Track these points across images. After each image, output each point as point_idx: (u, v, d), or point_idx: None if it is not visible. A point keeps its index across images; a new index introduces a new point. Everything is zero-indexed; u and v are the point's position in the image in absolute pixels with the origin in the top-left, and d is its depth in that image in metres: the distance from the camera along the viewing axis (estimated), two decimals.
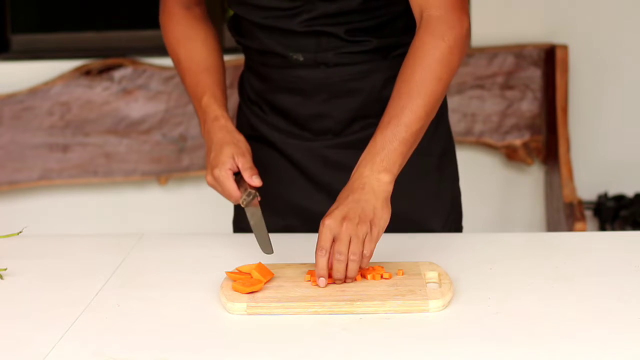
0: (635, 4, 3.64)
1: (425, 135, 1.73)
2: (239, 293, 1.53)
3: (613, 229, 3.57)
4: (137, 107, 3.62)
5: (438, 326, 1.45)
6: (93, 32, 3.87)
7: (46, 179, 3.64)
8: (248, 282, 1.55)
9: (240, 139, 1.81)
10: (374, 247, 1.58)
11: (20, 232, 1.81)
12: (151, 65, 3.61)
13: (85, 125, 3.62)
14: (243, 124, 1.98)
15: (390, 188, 1.62)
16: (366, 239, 1.57)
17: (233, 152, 1.78)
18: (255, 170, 1.76)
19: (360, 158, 1.65)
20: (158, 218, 3.75)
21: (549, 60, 3.59)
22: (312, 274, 1.59)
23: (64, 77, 3.60)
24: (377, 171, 1.62)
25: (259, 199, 1.76)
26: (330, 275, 1.57)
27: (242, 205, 1.75)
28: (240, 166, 1.77)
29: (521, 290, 1.58)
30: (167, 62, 3.63)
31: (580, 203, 3.38)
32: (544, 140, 3.65)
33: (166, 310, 1.53)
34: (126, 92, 3.62)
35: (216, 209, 3.77)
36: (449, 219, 1.96)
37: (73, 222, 3.72)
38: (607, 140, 3.71)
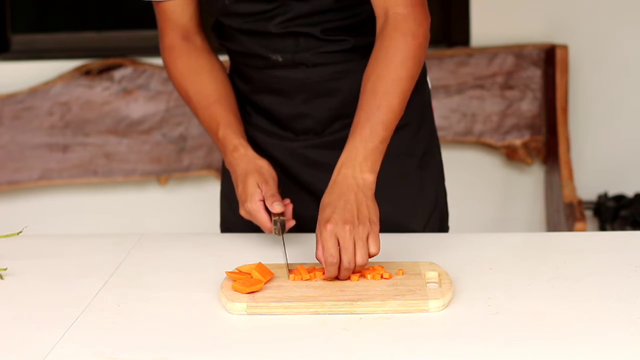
0: (635, 4, 3.64)
1: (407, 135, 1.76)
2: (239, 293, 1.53)
3: (613, 229, 3.57)
4: (137, 107, 3.62)
5: (438, 326, 1.45)
6: (93, 32, 3.87)
7: (46, 179, 3.64)
8: (248, 282, 1.55)
9: (262, 165, 1.80)
10: (380, 243, 1.60)
11: (20, 232, 1.81)
12: (151, 65, 3.61)
13: (85, 125, 3.62)
14: None
15: (374, 186, 1.65)
16: (370, 239, 1.59)
17: (257, 181, 1.77)
18: (277, 197, 1.75)
19: (341, 158, 1.66)
20: (158, 218, 3.75)
21: (549, 60, 3.59)
22: (295, 273, 1.60)
23: (64, 77, 3.60)
24: (361, 171, 1.64)
25: (291, 223, 1.77)
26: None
27: (277, 235, 1.74)
28: (263, 194, 1.76)
29: (521, 290, 1.58)
30: None
31: (580, 203, 3.38)
32: (544, 140, 3.65)
33: (166, 310, 1.53)
34: (126, 92, 3.62)
35: (216, 209, 3.77)
36: (430, 219, 1.96)
37: (73, 222, 3.72)
38: (607, 140, 3.71)
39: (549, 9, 3.65)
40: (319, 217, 1.61)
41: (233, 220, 1.99)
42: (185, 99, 1.91)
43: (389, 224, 1.84)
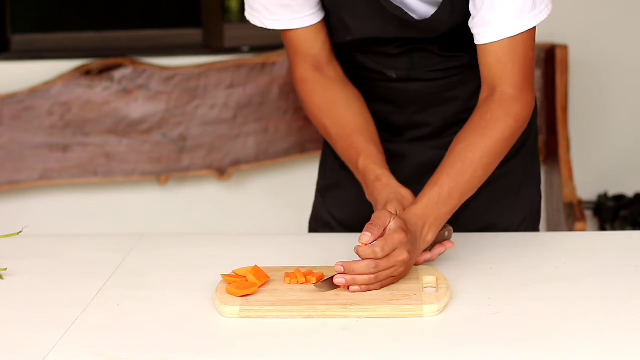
0: (635, 4, 3.64)
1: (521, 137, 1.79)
2: (232, 296, 1.53)
3: (613, 229, 3.57)
4: (137, 107, 3.62)
5: (438, 326, 1.45)
6: (93, 32, 3.87)
7: (46, 179, 3.64)
8: (242, 285, 1.54)
9: (404, 194, 1.73)
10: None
11: (20, 232, 1.81)
12: (151, 65, 3.61)
13: (85, 125, 3.62)
14: None
15: (425, 248, 1.64)
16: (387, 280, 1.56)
17: (396, 209, 1.68)
18: (377, 232, 1.59)
19: (416, 208, 1.64)
20: (158, 218, 3.75)
21: (549, 60, 3.59)
22: (290, 277, 1.59)
23: (64, 77, 3.60)
24: (429, 230, 1.63)
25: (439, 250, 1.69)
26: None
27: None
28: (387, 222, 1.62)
29: (521, 290, 1.58)
30: (167, 62, 3.63)
31: (580, 203, 3.38)
32: (544, 140, 3.65)
33: (166, 311, 1.53)
34: (126, 92, 3.62)
35: (216, 209, 3.77)
36: (525, 219, 1.97)
37: (73, 222, 3.72)
38: (607, 141, 3.70)
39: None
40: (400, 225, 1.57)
41: (326, 218, 2.00)
42: (324, 133, 1.87)
43: (481, 221, 1.84)
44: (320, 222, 2.04)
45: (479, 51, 1.73)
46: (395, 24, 1.76)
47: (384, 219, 1.57)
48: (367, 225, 1.56)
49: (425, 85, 1.86)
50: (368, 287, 1.54)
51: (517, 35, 1.69)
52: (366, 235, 1.54)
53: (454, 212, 1.68)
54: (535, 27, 1.71)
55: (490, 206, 1.88)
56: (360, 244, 1.54)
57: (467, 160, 1.68)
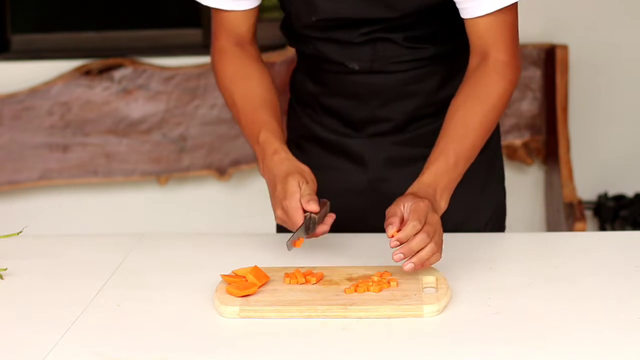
0: (635, 4, 3.64)
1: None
2: (232, 296, 1.53)
3: (613, 229, 3.57)
4: (137, 107, 3.62)
5: (438, 326, 1.45)
6: (93, 32, 3.87)
7: (46, 179, 3.64)
8: (242, 286, 1.54)
9: (304, 168, 1.74)
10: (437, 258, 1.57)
11: (20, 232, 1.81)
12: (151, 65, 3.61)
13: (85, 125, 3.62)
14: (295, 124, 1.99)
15: (441, 214, 1.66)
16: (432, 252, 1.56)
17: (299, 181, 1.69)
18: (314, 198, 1.67)
19: (424, 177, 1.66)
20: (158, 218, 3.75)
21: (549, 60, 3.59)
22: (290, 277, 1.59)
23: (64, 77, 3.60)
24: (440, 197, 1.66)
25: (329, 220, 1.69)
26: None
27: (305, 237, 1.66)
28: (301, 192, 1.68)
29: (521, 290, 1.58)
30: (167, 62, 3.63)
31: (580, 203, 3.38)
32: (544, 140, 3.65)
33: (166, 311, 1.53)
34: (126, 92, 3.62)
35: (216, 209, 3.77)
36: (491, 218, 1.98)
37: (73, 222, 3.72)
38: (607, 140, 3.71)
39: (549, 9, 3.65)
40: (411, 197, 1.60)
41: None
42: (229, 102, 1.86)
43: (451, 222, 1.85)
44: None
45: (468, 22, 1.76)
46: (362, 2, 1.76)
47: (395, 208, 1.59)
48: (385, 223, 1.57)
49: (387, 78, 1.85)
50: (429, 258, 1.54)
51: (506, 6, 1.73)
52: (391, 227, 1.55)
53: (461, 177, 1.71)
54: None
55: (458, 206, 1.88)
56: (392, 239, 1.54)
57: (468, 126, 1.71)
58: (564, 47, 3.56)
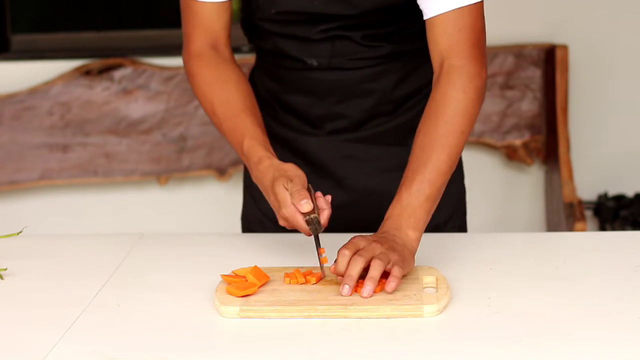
0: (635, 4, 3.64)
1: None
2: (232, 296, 1.52)
3: (613, 229, 3.57)
4: (137, 107, 3.62)
5: (438, 326, 1.45)
6: (93, 32, 3.87)
7: (46, 179, 3.64)
8: (242, 286, 1.54)
9: (287, 168, 1.69)
10: (400, 276, 1.54)
11: (20, 232, 1.81)
12: (151, 65, 3.61)
13: (85, 125, 3.62)
14: None
15: (417, 245, 1.63)
16: (395, 266, 1.54)
17: (283, 184, 1.66)
18: (303, 193, 1.63)
19: (388, 212, 1.65)
20: (158, 218, 3.75)
21: (549, 60, 3.59)
22: (290, 277, 1.59)
23: (64, 77, 3.60)
24: (406, 227, 1.63)
25: (325, 213, 1.64)
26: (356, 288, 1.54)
27: (313, 234, 1.62)
28: (289, 193, 1.64)
29: (521, 290, 1.58)
30: (167, 62, 3.63)
31: (580, 203, 3.39)
32: (544, 140, 3.65)
33: (166, 311, 1.53)
34: (126, 92, 3.62)
35: (216, 209, 3.77)
36: (452, 216, 1.97)
37: (73, 222, 3.72)
38: (607, 140, 3.71)
39: (549, 9, 3.65)
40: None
41: (257, 215, 2.00)
42: (209, 109, 1.83)
43: None
44: (252, 220, 2.02)
45: (428, 28, 1.73)
46: None
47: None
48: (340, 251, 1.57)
49: (345, 75, 1.85)
50: (374, 277, 1.52)
51: (464, 6, 1.69)
52: (331, 265, 1.56)
53: (432, 199, 1.66)
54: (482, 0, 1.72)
55: None
56: (332, 271, 1.55)
57: (425, 149, 1.67)
58: (564, 47, 3.56)
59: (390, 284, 1.52)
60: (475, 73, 1.70)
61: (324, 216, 1.63)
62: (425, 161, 1.66)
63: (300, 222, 1.61)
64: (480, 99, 1.71)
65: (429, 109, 1.70)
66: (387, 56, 1.85)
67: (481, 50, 1.72)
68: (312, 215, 1.60)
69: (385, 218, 1.65)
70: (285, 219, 1.64)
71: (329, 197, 1.66)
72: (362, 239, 1.58)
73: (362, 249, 1.55)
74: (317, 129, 1.91)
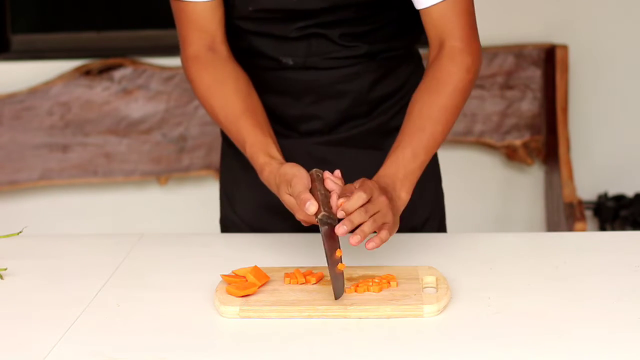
0: (635, 4, 3.64)
1: None
2: (232, 296, 1.52)
3: (613, 229, 3.57)
4: (137, 107, 3.62)
5: (438, 326, 1.45)
6: (93, 32, 3.87)
7: (46, 179, 3.64)
8: (242, 286, 1.54)
9: (285, 171, 1.66)
10: (386, 240, 1.55)
11: (20, 232, 1.81)
12: (151, 65, 3.61)
13: (85, 125, 3.62)
14: None
15: (403, 207, 1.65)
16: (384, 226, 1.56)
17: (287, 192, 1.63)
18: (305, 195, 1.58)
19: (382, 170, 1.66)
20: (158, 218, 3.75)
21: (549, 60, 3.59)
22: (290, 277, 1.59)
23: (64, 77, 3.60)
24: (400, 188, 1.65)
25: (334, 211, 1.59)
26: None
27: (326, 236, 1.55)
28: (293, 196, 1.61)
29: (521, 290, 1.58)
30: (167, 62, 3.63)
31: (580, 203, 3.38)
32: (544, 140, 3.65)
33: (166, 311, 1.53)
34: (126, 92, 3.62)
35: (216, 209, 3.77)
36: (429, 218, 1.97)
37: (73, 222, 3.72)
38: (607, 140, 3.71)
39: (549, 9, 3.65)
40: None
41: (232, 218, 1.99)
42: (211, 113, 1.83)
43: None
44: (229, 223, 2.01)
45: (422, 13, 1.76)
46: None
47: (350, 187, 1.59)
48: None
49: (320, 75, 1.85)
50: (365, 232, 1.52)
51: None
52: (342, 199, 1.55)
53: (423, 167, 1.69)
54: None
55: None
56: (338, 210, 1.54)
57: (424, 117, 1.70)
58: (564, 47, 3.56)
59: (371, 243, 1.53)
60: (476, 54, 1.76)
61: (333, 200, 1.59)
62: (422, 128, 1.70)
63: (315, 222, 1.60)
64: (476, 79, 1.78)
65: (429, 83, 1.74)
66: (363, 56, 1.84)
67: (476, 31, 1.78)
68: (320, 215, 1.56)
69: (379, 174, 1.65)
70: (304, 221, 1.63)
71: (337, 172, 1.64)
72: (376, 188, 1.57)
73: (371, 201, 1.55)
74: (291, 130, 1.90)
